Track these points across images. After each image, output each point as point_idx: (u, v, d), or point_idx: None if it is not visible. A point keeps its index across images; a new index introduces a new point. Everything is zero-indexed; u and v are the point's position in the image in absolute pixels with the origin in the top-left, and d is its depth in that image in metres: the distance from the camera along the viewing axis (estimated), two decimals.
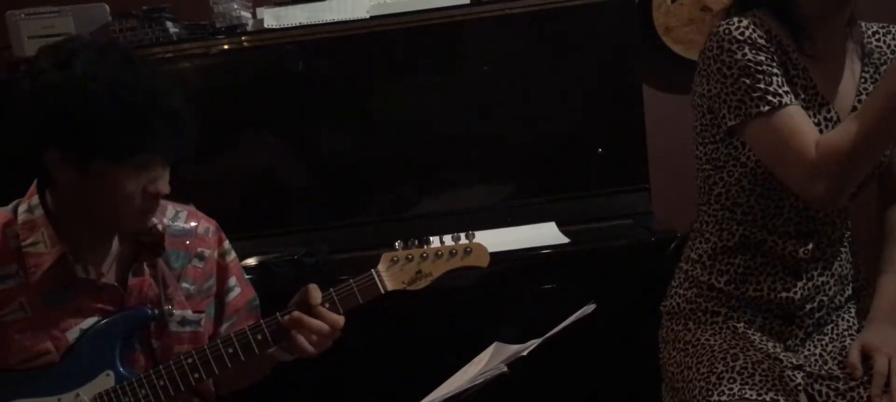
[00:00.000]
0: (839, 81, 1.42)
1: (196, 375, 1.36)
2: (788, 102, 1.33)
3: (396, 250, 1.41)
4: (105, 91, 1.21)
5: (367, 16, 2.20)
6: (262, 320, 1.38)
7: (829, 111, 1.40)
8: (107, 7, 2.29)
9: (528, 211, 2.20)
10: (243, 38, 2.26)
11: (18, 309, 1.34)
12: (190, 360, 1.35)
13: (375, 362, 1.99)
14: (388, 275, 1.40)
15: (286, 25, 2.22)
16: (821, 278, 1.47)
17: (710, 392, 1.35)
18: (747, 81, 1.33)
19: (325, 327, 1.35)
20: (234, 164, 2.25)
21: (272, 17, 2.24)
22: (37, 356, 1.34)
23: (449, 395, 1.26)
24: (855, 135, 1.24)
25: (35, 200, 1.35)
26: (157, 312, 1.39)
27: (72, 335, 1.35)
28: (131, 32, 2.24)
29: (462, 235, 1.41)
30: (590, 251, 1.98)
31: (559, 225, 2.09)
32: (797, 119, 1.32)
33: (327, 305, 1.37)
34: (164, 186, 1.32)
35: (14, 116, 1.27)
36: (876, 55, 1.45)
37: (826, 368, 1.42)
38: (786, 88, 1.34)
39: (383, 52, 2.24)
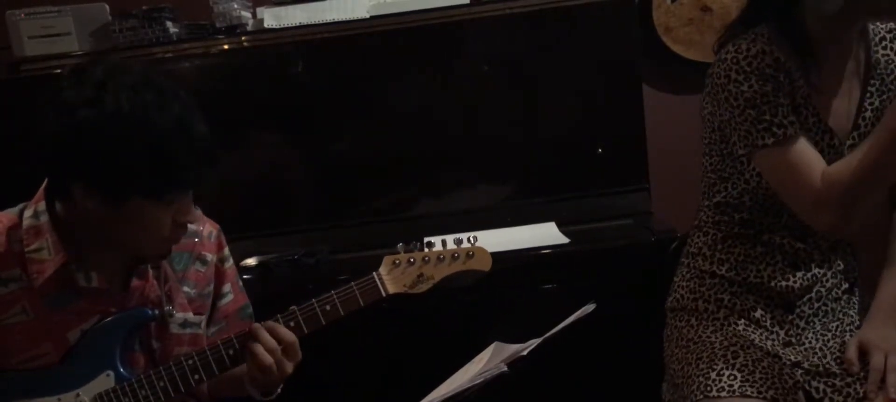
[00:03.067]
0: (841, 102, 1.42)
1: (196, 376, 1.35)
2: (793, 134, 1.34)
3: (398, 252, 1.40)
4: (140, 133, 1.19)
5: (367, 16, 2.21)
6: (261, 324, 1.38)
7: (832, 137, 1.40)
8: (107, 7, 2.29)
9: (528, 211, 2.20)
10: (243, 38, 2.26)
11: (21, 312, 1.33)
12: (190, 361, 1.35)
13: (375, 362, 1.99)
14: (390, 278, 1.39)
15: (286, 25, 2.22)
16: (819, 270, 1.48)
17: (709, 388, 1.36)
18: (753, 113, 1.35)
19: (272, 341, 1.34)
20: (233, 164, 2.25)
21: (272, 17, 2.24)
22: (37, 357, 1.34)
23: (449, 395, 1.25)
24: (860, 167, 1.26)
25: (42, 205, 1.34)
26: (157, 312, 1.39)
27: (72, 335, 1.35)
28: (131, 32, 2.24)
29: (464, 238, 1.41)
30: (590, 251, 1.98)
31: (559, 225, 2.09)
32: (801, 150, 1.33)
33: (328, 307, 1.38)
34: (193, 216, 1.34)
35: (41, 143, 1.24)
36: (882, 65, 1.42)
37: (825, 362, 1.43)
38: (791, 119, 1.34)
39: (383, 52, 2.24)
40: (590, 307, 1.33)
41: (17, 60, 2.24)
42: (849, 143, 1.40)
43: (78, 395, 1.34)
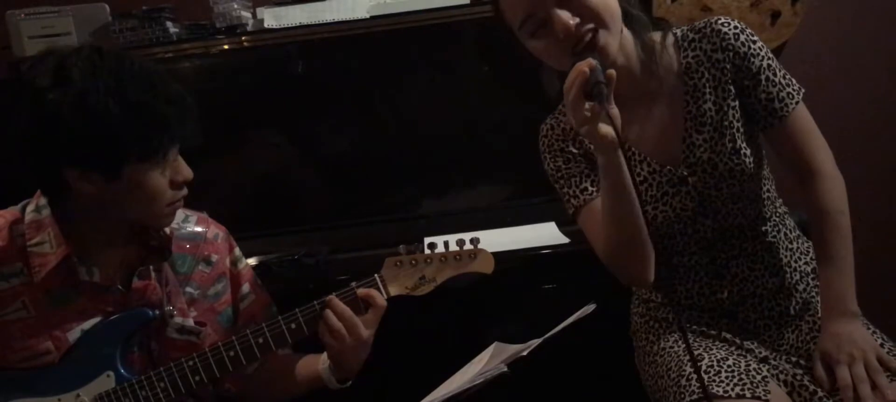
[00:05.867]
0: (659, 124, 1.42)
1: (197, 377, 1.36)
2: (583, 202, 1.44)
3: (400, 253, 1.40)
4: (110, 100, 1.20)
5: (367, 16, 2.21)
6: (263, 324, 1.38)
7: (649, 164, 1.43)
8: (107, 7, 2.29)
9: (528, 211, 2.19)
10: (243, 38, 2.26)
11: (21, 308, 1.34)
12: (191, 362, 1.35)
13: (375, 361, 1.99)
14: (392, 280, 1.39)
15: (286, 25, 2.22)
16: (752, 273, 1.46)
17: (681, 395, 1.35)
18: (557, 186, 1.50)
19: (337, 323, 1.36)
20: (233, 164, 2.25)
21: (272, 17, 2.24)
22: (37, 356, 1.34)
23: (449, 395, 1.25)
24: (605, 227, 1.36)
25: (43, 200, 1.35)
26: (158, 312, 1.39)
27: (73, 335, 1.35)
28: (131, 32, 2.24)
29: (466, 240, 1.41)
30: (590, 251, 1.97)
31: (559, 225, 2.09)
32: (591, 218, 1.43)
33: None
34: (188, 171, 1.34)
35: (21, 138, 1.24)
36: (694, 67, 1.41)
37: (806, 378, 1.39)
38: (584, 186, 1.45)
39: (383, 52, 2.24)
40: (590, 307, 1.33)
41: (17, 60, 2.24)
42: (687, 173, 1.41)
43: (78, 395, 1.34)
